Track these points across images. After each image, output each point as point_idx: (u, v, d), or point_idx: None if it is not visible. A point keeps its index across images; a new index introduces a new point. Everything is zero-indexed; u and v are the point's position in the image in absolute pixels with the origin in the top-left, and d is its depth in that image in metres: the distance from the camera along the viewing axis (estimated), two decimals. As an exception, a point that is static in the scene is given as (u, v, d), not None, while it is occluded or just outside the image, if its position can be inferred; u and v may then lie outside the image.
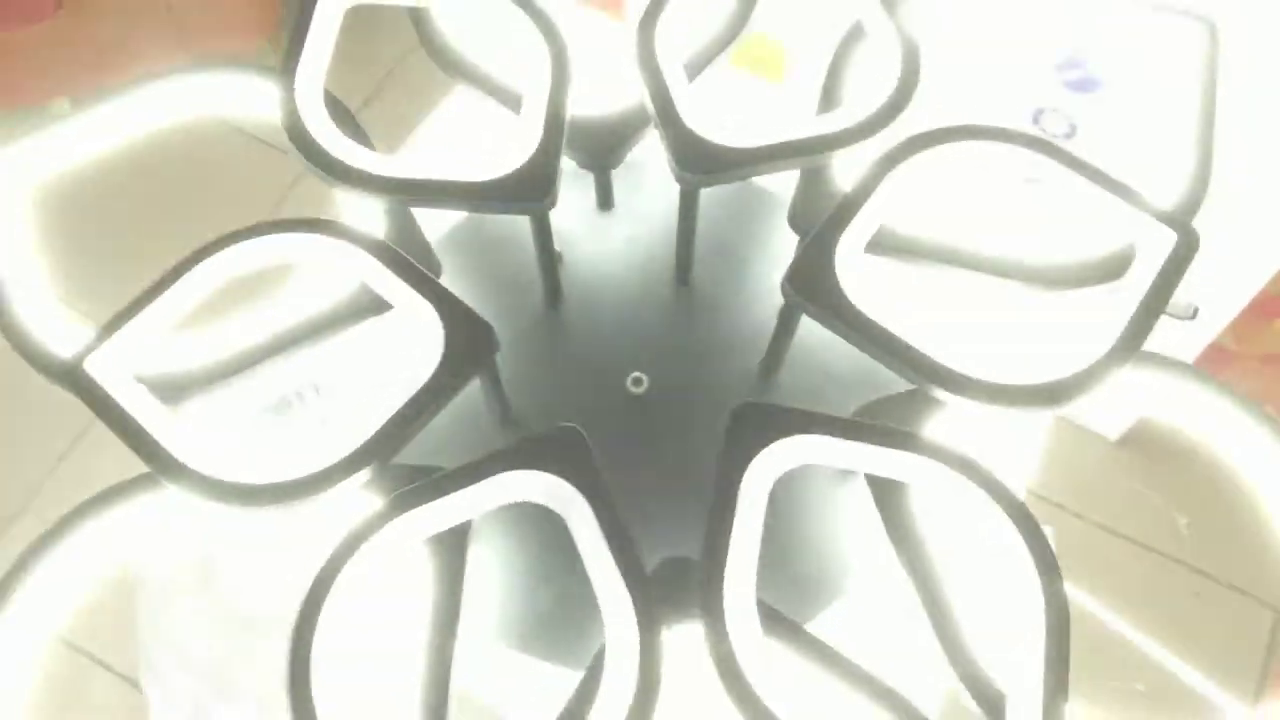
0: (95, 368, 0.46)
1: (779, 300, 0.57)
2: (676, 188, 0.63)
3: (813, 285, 0.46)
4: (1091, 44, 0.77)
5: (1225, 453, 0.49)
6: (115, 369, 0.46)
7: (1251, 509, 0.46)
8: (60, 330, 0.51)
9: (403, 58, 1.48)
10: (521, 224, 0.61)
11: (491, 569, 0.53)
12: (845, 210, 0.48)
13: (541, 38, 0.53)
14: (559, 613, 0.52)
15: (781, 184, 0.64)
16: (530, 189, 0.49)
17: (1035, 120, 0.84)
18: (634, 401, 0.55)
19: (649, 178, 0.64)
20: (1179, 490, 1.05)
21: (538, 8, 0.53)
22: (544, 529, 0.54)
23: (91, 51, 1.34)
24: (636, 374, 0.55)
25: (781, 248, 0.63)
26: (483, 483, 0.43)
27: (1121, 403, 1.06)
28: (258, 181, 1.32)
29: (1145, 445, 1.13)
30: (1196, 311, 0.75)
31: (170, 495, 0.48)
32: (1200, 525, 1.08)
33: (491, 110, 0.57)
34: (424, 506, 0.43)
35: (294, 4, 0.54)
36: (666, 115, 0.50)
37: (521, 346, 0.57)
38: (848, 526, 0.54)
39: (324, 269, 0.51)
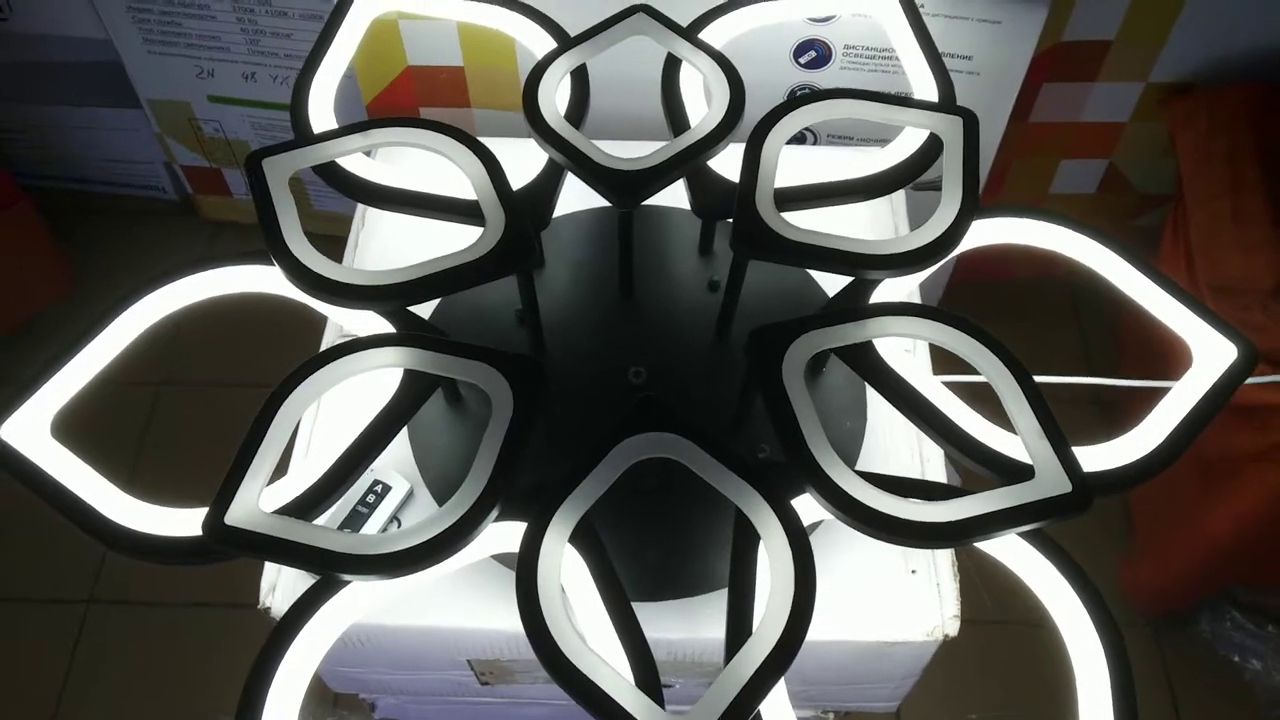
0: (237, 521, 0.53)
1: (699, 281, 0.72)
2: (585, 233, 0.77)
3: (752, 237, 0.60)
4: (813, 29, 0.98)
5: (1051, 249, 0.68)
6: (253, 515, 0.53)
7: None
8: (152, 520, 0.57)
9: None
10: (482, 301, 0.72)
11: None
12: (746, 183, 0.63)
13: (466, 148, 0.65)
14: (666, 561, 0.63)
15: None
16: (518, 253, 0.60)
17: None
18: (641, 388, 0.68)
19: (561, 233, 0.77)
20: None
21: (454, 129, 0.65)
22: (635, 508, 0.66)
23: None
24: (636, 368, 0.68)
25: (680, 245, 0.78)
26: (604, 461, 0.54)
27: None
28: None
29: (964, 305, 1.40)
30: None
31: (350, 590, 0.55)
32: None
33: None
34: (567, 501, 0.53)
35: (254, 190, 0.62)
36: (587, 165, 0.63)
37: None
38: (838, 409, 0.69)
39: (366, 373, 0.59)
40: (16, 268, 1.41)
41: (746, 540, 0.53)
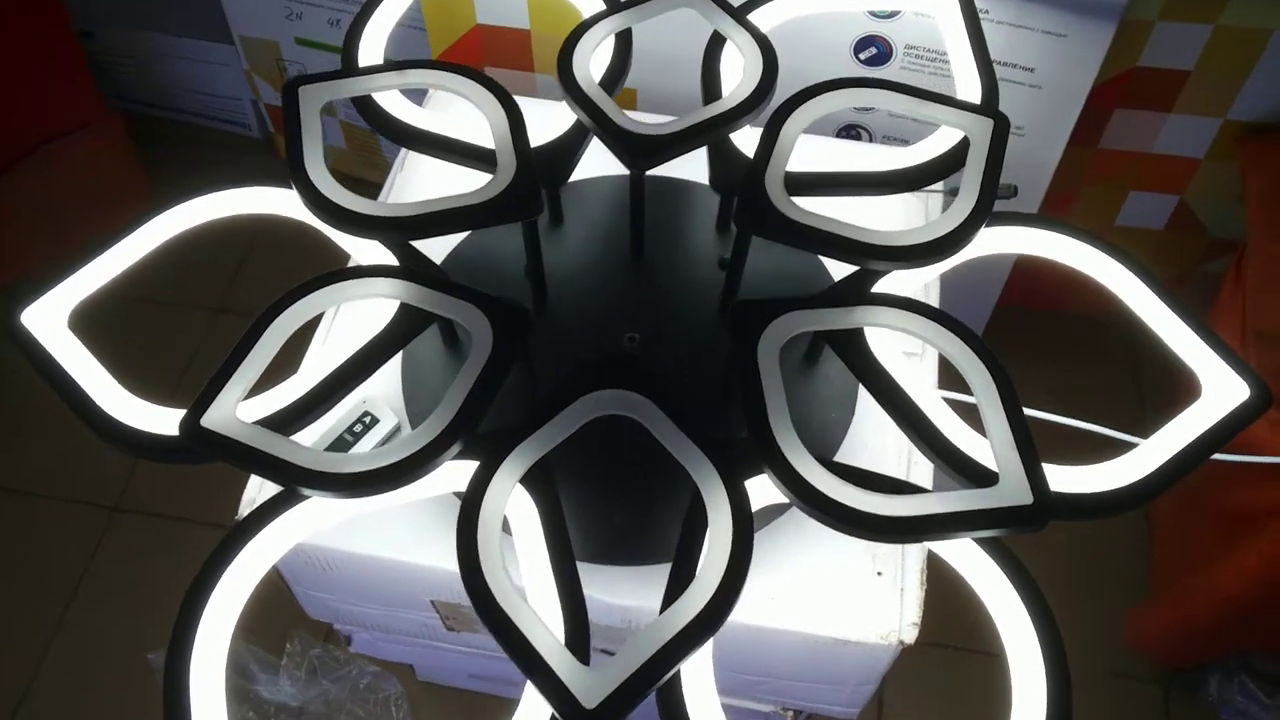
0: (212, 424, 0.55)
1: (712, 257, 0.72)
2: (607, 198, 0.78)
3: (755, 212, 0.60)
4: (876, 25, 0.97)
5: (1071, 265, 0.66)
6: (228, 421, 0.55)
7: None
8: (143, 416, 0.59)
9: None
10: (494, 251, 0.73)
11: (568, 507, 0.64)
12: (759, 160, 0.63)
13: (493, 96, 0.66)
14: (630, 526, 0.64)
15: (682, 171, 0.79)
16: (523, 202, 0.61)
17: (848, 97, 1.02)
18: (635, 355, 0.68)
19: (584, 195, 0.78)
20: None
21: (486, 76, 0.66)
22: (605, 471, 0.66)
23: None
24: (630, 334, 0.68)
25: (700, 219, 0.78)
26: (567, 409, 0.54)
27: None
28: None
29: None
30: (1016, 190, 0.95)
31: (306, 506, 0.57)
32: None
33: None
34: (523, 444, 0.54)
35: (286, 115, 0.65)
36: (606, 125, 0.64)
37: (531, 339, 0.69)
38: (826, 398, 0.68)
39: (364, 303, 0.61)
40: (98, 181, 1.47)
41: (699, 517, 0.53)
